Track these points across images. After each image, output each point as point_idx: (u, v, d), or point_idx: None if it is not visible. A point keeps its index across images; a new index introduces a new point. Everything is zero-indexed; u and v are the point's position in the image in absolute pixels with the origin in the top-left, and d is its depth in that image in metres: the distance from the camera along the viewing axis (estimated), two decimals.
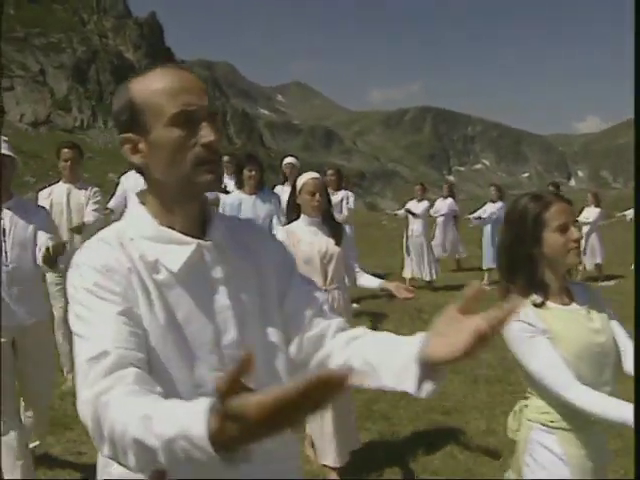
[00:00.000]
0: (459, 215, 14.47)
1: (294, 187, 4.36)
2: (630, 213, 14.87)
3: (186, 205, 1.52)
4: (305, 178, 4.30)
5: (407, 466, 4.70)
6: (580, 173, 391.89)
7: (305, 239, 4.23)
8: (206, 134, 1.43)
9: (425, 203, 12.65)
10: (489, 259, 12.55)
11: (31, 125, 66.53)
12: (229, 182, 7.99)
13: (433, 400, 5.62)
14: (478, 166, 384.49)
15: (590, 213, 13.44)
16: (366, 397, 5.77)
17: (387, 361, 1.40)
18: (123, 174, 7.28)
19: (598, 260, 13.25)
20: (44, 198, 6.21)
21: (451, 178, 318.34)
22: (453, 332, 1.20)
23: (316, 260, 4.20)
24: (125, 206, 8.23)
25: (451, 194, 14.38)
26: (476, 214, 13.57)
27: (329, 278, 4.26)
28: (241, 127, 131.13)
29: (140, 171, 1.54)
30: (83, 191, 6.40)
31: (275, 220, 6.42)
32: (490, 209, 13.10)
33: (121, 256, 1.45)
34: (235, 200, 6.56)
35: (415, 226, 12.39)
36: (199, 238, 1.51)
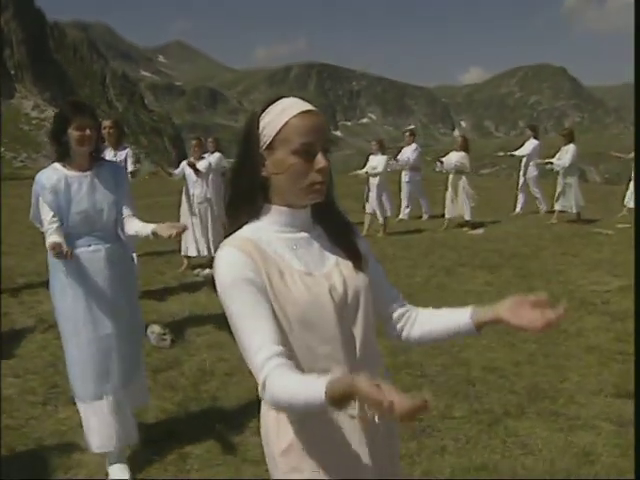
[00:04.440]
0: None
1: (250, 136, 1.83)
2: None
3: None
4: (288, 112, 1.79)
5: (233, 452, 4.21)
6: (463, 123, 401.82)
7: (291, 264, 1.83)
8: None
9: None
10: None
11: None
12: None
13: None
14: (364, 120, 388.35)
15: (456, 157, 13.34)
16: (197, 375, 5.41)
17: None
18: None
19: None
20: None
21: (338, 133, 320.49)
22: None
23: (327, 311, 1.79)
24: None
25: None
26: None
27: (357, 347, 1.85)
28: (121, 90, 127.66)
29: None
30: None
31: (127, 213, 4.04)
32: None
33: None
34: (57, 180, 3.90)
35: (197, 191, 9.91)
36: None
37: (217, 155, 11.62)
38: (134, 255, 5.81)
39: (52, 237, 3.74)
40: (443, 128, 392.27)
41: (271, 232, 1.81)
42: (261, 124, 1.79)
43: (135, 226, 3.96)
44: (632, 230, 12.32)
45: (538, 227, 13.20)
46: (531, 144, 14.74)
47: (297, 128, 1.74)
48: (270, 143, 1.76)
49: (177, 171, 9.90)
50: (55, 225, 3.82)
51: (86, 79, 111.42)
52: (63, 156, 3.94)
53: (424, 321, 1.98)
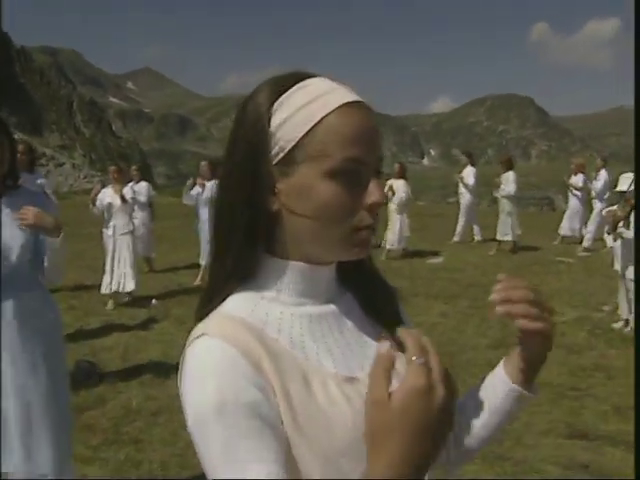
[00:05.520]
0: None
1: (251, 141, 1.03)
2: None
3: None
4: (324, 104, 1.01)
5: None
6: (432, 152, 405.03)
7: (321, 363, 1.05)
8: None
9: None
10: None
11: None
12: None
13: None
14: None
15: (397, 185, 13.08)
16: (121, 415, 5.01)
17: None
18: None
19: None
20: None
21: None
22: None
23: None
24: None
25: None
26: None
27: None
28: (89, 116, 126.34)
29: None
30: None
31: (49, 261, 3.20)
32: None
33: None
34: None
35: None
36: None
37: (144, 184, 11.08)
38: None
39: None
40: (412, 156, 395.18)
41: (280, 306, 1.07)
42: (273, 121, 1.02)
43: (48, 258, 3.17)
44: (593, 259, 12.23)
45: (498, 256, 13.01)
46: (471, 171, 14.60)
47: (338, 132, 0.99)
48: (288, 156, 1.01)
49: (97, 204, 8.85)
50: None
51: (53, 104, 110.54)
52: None
53: (463, 411, 1.23)
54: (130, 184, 9.57)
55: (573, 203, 14.11)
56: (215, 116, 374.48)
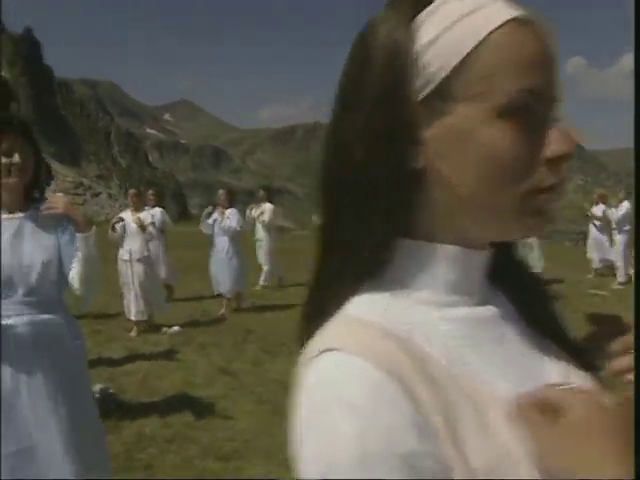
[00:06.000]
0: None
1: (385, 68, 0.70)
2: None
3: None
4: (486, 16, 0.70)
5: None
6: None
7: (491, 387, 0.71)
8: None
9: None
10: None
11: None
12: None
13: (213, 441, 4.85)
14: None
15: None
16: (134, 441, 4.87)
17: None
18: None
19: None
20: None
21: None
22: None
23: None
24: None
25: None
26: None
27: None
28: (126, 147, 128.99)
29: None
30: None
31: (75, 272, 2.82)
32: None
33: None
34: None
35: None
36: None
37: (158, 210, 10.80)
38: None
39: None
40: None
41: (423, 307, 0.75)
42: (418, 41, 0.71)
43: (76, 276, 2.83)
44: (627, 291, 11.97)
45: None
46: None
47: (511, 54, 0.69)
48: (439, 88, 0.70)
49: (118, 227, 8.55)
50: None
51: (91, 135, 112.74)
52: None
53: None
54: (145, 208, 9.51)
55: (594, 233, 14.21)
56: (250, 148, 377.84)
